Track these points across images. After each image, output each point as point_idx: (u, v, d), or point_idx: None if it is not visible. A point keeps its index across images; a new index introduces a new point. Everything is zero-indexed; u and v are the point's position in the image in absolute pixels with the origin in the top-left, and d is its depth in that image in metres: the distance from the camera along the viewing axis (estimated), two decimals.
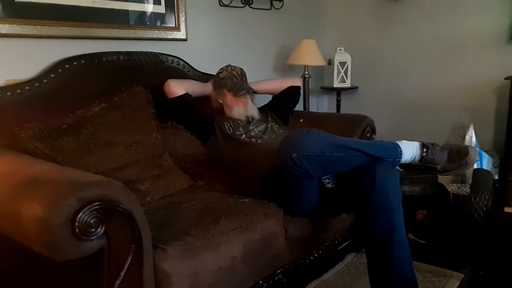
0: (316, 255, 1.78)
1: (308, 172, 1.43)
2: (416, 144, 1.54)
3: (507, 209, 1.74)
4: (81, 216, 0.99)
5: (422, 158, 1.53)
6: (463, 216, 1.90)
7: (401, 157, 1.51)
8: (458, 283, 1.79)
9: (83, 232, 1.00)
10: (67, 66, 1.76)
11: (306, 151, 1.39)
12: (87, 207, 1.00)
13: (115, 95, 1.77)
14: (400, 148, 1.51)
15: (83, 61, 1.80)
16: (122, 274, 1.09)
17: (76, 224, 0.98)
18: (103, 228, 1.04)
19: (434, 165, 1.53)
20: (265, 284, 1.53)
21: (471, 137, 2.38)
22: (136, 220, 1.10)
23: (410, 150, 1.53)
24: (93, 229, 1.02)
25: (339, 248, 1.94)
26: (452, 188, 2.33)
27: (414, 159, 1.54)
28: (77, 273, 1.14)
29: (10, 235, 1.10)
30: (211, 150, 1.92)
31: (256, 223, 1.43)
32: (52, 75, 1.72)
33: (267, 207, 1.53)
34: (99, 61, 1.85)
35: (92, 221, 1.01)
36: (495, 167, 2.37)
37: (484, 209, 1.72)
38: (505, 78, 2.27)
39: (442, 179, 2.36)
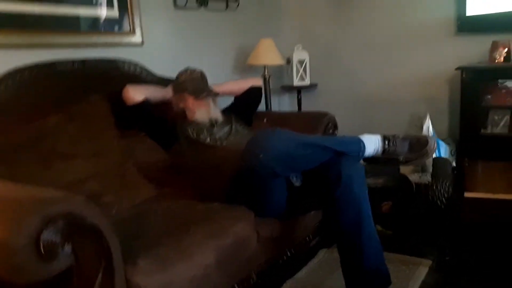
0: (289, 254, 1.79)
1: (275, 171, 1.44)
2: (377, 137, 1.58)
3: (467, 194, 1.82)
4: (45, 235, 0.95)
5: (384, 150, 1.57)
6: (426, 204, 1.97)
7: (364, 150, 1.54)
8: (427, 269, 1.86)
9: (49, 252, 0.96)
10: (18, 76, 1.68)
11: (272, 151, 1.39)
12: (51, 225, 0.96)
13: (72, 105, 1.72)
14: (363, 142, 1.55)
15: (35, 71, 1.73)
16: None
17: (41, 244, 0.94)
18: (70, 245, 1.00)
19: (396, 156, 1.57)
20: None
21: (428, 127, 2.47)
22: (103, 234, 1.07)
23: (372, 144, 1.57)
24: (59, 248, 0.98)
25: (310, 245, 1.96)
26: (414, 177, 2.41)
27: (377, 152, 1.58)
28: None
29: None
30: (175, 157, 1.89)
31: (227, 228, 1.42)
32: (2, 87, 1.63)
33: (237, 211, 1.53)
34: (53, 70, 1.78)
35: (57, 239, 0.97)
36: (452, 155, 2.48)
37: (445, 195, 1.79)
38: (456, 69, 2.37)
39: (404, 170, 2.45)
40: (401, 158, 1.57)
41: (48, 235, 0.95)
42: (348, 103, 3.07)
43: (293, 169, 1.50)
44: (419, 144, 1.55)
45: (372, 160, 1.61)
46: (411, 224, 2.18)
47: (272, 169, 1.41)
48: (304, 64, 3.01)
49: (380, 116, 2.96)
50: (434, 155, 1.88)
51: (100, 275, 1.07)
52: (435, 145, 1.54)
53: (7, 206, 0.98)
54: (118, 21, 2.11)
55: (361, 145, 1.54)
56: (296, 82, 3.02)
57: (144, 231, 1.36)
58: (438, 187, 1.82)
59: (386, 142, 1.56)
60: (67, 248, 1.00)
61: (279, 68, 3.19)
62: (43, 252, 0.94)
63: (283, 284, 1.82)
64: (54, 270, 0.98)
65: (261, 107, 2.39)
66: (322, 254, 2.07)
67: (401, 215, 2.23)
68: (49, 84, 1.75)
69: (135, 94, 1.87)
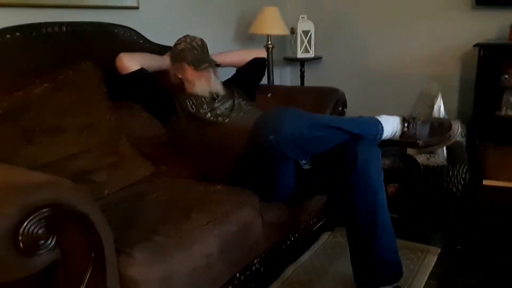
0: (292, 238, 1.69)
1: (286, 154, 1.32)
2: (396, 119, 1.45)
3: (485, 182, 1.71)
4: (25, 227, 0.81)
5: (403, 133, 1.45)
6: (437, 189, 1.87)
7: (382, 133, 1.42)
8: (436, 258, 1.77)
9: (30, 246, 0.82)
10: None
11: (283, 132, 1.27)
12: (32, 216, 0.82)
13: (59, 73, 1.55)
14: (381, 124, 1.42)
15: (18, 33, 1.54)
16: None
17: (20, 237, 0.80)
18: (54, 238, 0.87)
19: (415, 140, 1.45)
20: (242, 277, 1.42)
21: (439, 106, 2.34)
22: (94, 224, 0.93)
23: (390, 126, 1.44)
24: (42, 241, 0.85)
25: (314, 228, 1.87)
26: (422, 159, 2.30)
27: (394, 135, 1.46)
28: None
29: None
30: (173, 132, 1.76)
31: (231, 214, 1.30)
32: None
33: (242, 195, 1.41)
34: (38, 33, 1.60)
35: (39, 231, 0.84)
36: (462, 137, 2.36)
37: (462, 182, 1.68)
38: (474, 45, 2.21)
39: (410, 150, 2.33)
40: (420, 142, 1.44)
41: (29, 227, 0.82)
42: (354, 79, 2.93)
43: (305, 152, 1.38)
44: (442, 128, 1.43)
45: (388, 143, 1.48)
46: (418, 209, 2.08)
47: (282, 152, 1.30)
48: (309, 35, 2.85)
49: (387, 93, 2.83)
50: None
51: (89, 270, 0.94)
52: (460, 129, 1.41)
53: None
54: None
55: (379, 127, 1.41)
56: (300, 54, 2.87)
57: (140, 216, 1.23)
58: (455, 173, 1.70)
59: (406, 125, 1.44)
60: (51, 241, 0.86)
61: (281, 39, 3.03)
62: (22, 247, 0.81)
63: (285, 269, 1.72)
64: (36, 267, 0.85)
65: (263, 80, 2.24)
66: (325, 237, 1.99)
67: (408, 198, 2.13)
68: (33, 50, 1.57)
69: (130, 62, 1.71)
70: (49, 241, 0.85)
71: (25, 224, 0.81)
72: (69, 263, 0.91)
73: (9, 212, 0.79)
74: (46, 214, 0.83)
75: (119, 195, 1.42)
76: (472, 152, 2.01)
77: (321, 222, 1.92)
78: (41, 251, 0.84)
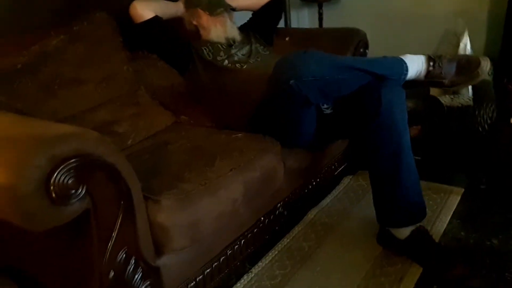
0: (314, 183, 1.71)
1: (308, 99, 1.29)
2: (421, 58, 1.40)
3: None
4: (56, 177, 0.82)
5: (428, 72, 1.39)
6: (462, 129, 1.82)
7: (407, 73, 1.37)
8: (459, 198, 1.77)
9: (61, 195, 0.84)
10: None
11: (305, 76, 1.23)
12: (62, 167, 0.83)
13: (74, 24, 1.53)
14: (405, 63, 1.37)
15: None
16: (114, 235, 0.96)
17: (52, 187, 0.82)
18: (84, 187, 0.88)
19: (440, 79, 1.40)
20: (266, 220, 1.46)
21: (465, 44, 2.22)
22: (121, 173, 0.95)
23: (415, 65, 1.39)
24: (73, 191, 0.86)
25: (335, 173, 1.87)
26: (445, 100, 2.23)
27: (419, 75, 1.40)
28: (63, 241, 1.00)
29: None
30: (191, 81, 1.74)
31: (254, 160, 1.30)
32: None
33: (263, 142, 1.41)
34: None
35: (70, 181, 0.85)
36: (489, 75, 2.27)
37: (489, 121, 1.63)
38: None
39: (434, 90, 2.26)
40: (446, 81, 1.39)
41: (60, 178, 0.83)
42: (375, 18, 2.79)
43: (327, 96, 1.34)
44: (469, 66, 1.36)
45: (413, 83, 1.43)
46: (442, 150, 2.05)
47: (304, 97, 1.27)
48: None
49: (410, 33, 2.69)
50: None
51: (120, 217, 0.97)
52: (489, 66, 1.35)
53: (10, 145, 0.84)
54: None
55: (403, 67, 1.36)
56: None
57: (165, 165, 1.24)
58: (481, 112, 1.64)
59: (431, 64, 1.38)
60: (82, 190, 0.88)
61: None
62: (54, 197, 0.83)
63: (307, 213, 1.75)
64: (69, 215, 0.87)
65: (280, 23, 2.16)
66: (347, 181, 1.99)
67: (431, 140, 2.09)
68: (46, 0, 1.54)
69: (144, 10, 1.67)
70: (80, 191, 0.87)
71: (55, 174, 0.82)
72: (100, 212, 0.93)
73: (40, 164, 0.80)
74: (74, 164, 0.84)
75: (142, 145, 1.43)
76: (499, 91, 1.93)
77: (343, 166, 1.93)
78: (73, 200, 0.86)
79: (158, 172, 1.19)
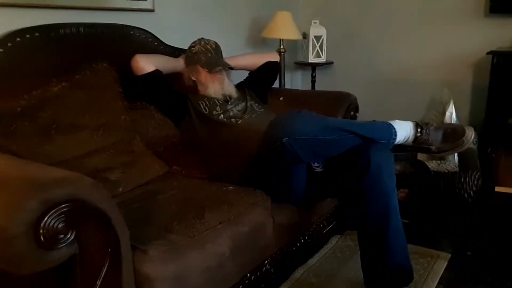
0: (302, 241, 1.69)
1: (299, 157, 1.33)
2: (409, 124, 1.45)
3: (498, 189, 1.70)
4: (46, 221, 0.83)
5: (416, 138, 1.45)
6: (448, 195, 1.86)
7: (395, 138, 1.42)
8: (446, 263, 1.76)
9: (50, 240, 0.84)
10: (18, 39, 1.52)
11: (298, 135, 1.28)
12: (53, 211, 0.84)
13: (76, 72, 1.57)
14: (394, 128, 1.42)
15: (37, 34, 1.57)
16: (98, 282, 0.95)
17: (41, 231, 0.82)
18: (73, 233, 0.88)
19: (428, 145, 1.45)
20: (253, 277, 1.43)
21: (451, 113, 2.34)
22: (111, 221, 0.95)
23: (404, 131, 1.44)
24: (62, 236, 0.86)
25: (324, 231, 1.87)
26: (432, 165, 2.29)
27: (407, 140, 1.46)
28: (47, 286, 0.98)
29: None
30: (186, 132, 1.78)
31: (243, 214, 1.31)
32: (0, 50, 1.48)
33: (254, 195, 1.42)
34: (56, 34, 1.62)
35: (59, 226, 0.85)
36: (474, 144, 2.35)
37: (474, 188, 1.67)
38: (487, 53, 2.20)
39: (421, 155, 2.33)
40: (433, 148, 1.44)
41: (50, 222, 0.83)
42: (365, 84, 2.93)
43: (318, 155, 1.39)
44: (455, 134, 1.42)
45: (401, 148, 1.48)
46: (428, 214, 2.07)
47: (296, 155, 1.30)
48: (321, 40, 2.85)
49: (398, 99, 2.82)
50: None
51: (106, 265, 0.96)
52: (473, 135, 1.41)
53: (3, 186, 0.85)
54: None
55: (392, 132, 1.41)
56: (312, 58, 2.87)
57: (154, 215, 1.24)
58: (467, 179, 1.69)
59: (419, 130, 1.44)
60: (71, 235, 0.88)
61: (293, 44, 3.04)
62: (42, 240, 0.82)
63: (294, 272, 1.72)
64: (55, 260, 0.87)
65: (275, 84, 2.24)
66: (335, 240, 1.98)
67: (418, 204, 2.12)
68: (51, 50, 1.59)
69: (145, 63, 1.74)
70: (69, 236, 0.87)
71: (45, 218, 0.82)
72: (87, 258, 0.93)
73: (31, 207, 0.80)
74: (66, 209, 0.85)
75: (133, 194, 1.43)
76: (484, 159, 2.00)
77: (331, 225, 1.91)
78: (61, 245, 0.86)
79: (147, 221, 1.19)
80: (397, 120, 1.45)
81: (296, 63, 3.06)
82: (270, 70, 2.07)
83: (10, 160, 1.04)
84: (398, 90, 2.83)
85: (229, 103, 1.80)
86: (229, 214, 1.27)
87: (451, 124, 1.49)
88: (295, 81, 3.23)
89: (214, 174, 1.62)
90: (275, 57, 2.10)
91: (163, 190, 1.43)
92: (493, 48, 2.25)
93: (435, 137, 1.43)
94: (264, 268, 1.48)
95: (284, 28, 2.60)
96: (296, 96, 2.16)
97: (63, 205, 0.85)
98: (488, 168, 1.79)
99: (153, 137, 1.75)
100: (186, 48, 1.90)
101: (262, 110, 1.85)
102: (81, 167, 1.40)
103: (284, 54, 2.72)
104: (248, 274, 1.40)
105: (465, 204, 1.74)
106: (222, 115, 1.74)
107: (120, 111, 1.64)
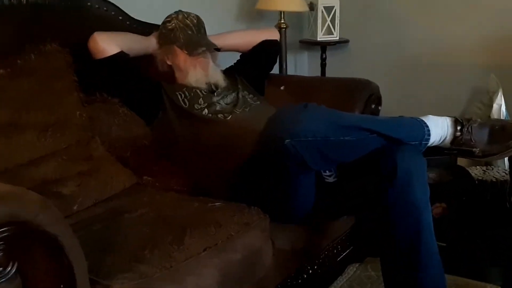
0: (311, 271, 1.71)
1: (306, 163, 1.34)
2: (446, 121, 1.47)
3: None
4: None
5: (455, 138, 1.46)
6: (497, 210, 1.88)
7: (428, 139, 1.43)
8: None
9: None
10: None
11: (304, 135, 1.29)
12: None
13: (18, 57, 1.58)
14: (427, 126, 1.43)
15: None
16: None
17: None
18: (15, 265, 0.88)
19: (470, 148, 1.46)
20: None
21: (500, 105, 2.36)
22: (64, 249, 0.95)
23: (439, 129, 1.45)
24: (0, 269, 0.86)
25: (338, 259, 1.88)
26: (476, 172, 2.31)
27: (444, 141, 1.47)
28: None
29: None
30: (160, 133, 1.81)
31: (235, 238, 1.33)
32: None
33: (248, 214, 1.43)
34: None
35: None
36: None
37: None
38: None
39: (461, 160, 2.34)
40: (477, 151, 1.45)
41: None
42: (389, 69, 2.96)
43: (330, 160, 1.40)
44: (504, 133, 1.44)
45: (435, 151, 1.50)
46: (472, 236, 2.09)
47: (301, 160, 1.31)
48: (332, 12, 2.88)
49: (432, 89, 2.85)
50: None
51: None
52: None
53: None
54: None
55: (424, 131, 1.42)
56: (321, 36, 2.90)
57: (119, 240, 1.25)
58: None
59: (459, 128, 1.45)
60: (11, 268, 0.88)
61: (297, 17, 3.06)
62: None
63: None
64: None
65: (274, 69, 2.27)
66: (352, 270, 2.01)
67: (459, 221, 2.14)
68: None
69: (107, 44, 1.76)
70: (9, 269, 0.87)
71: None
72: None
73: None
74: (5, 234, 0.85)
75: (92, 212, 1.44)
76: None
77: (348, 250, 1.93)
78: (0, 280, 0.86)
79: (111, 249, 1.20)
80: (430, 116, 1.46)
81: (301, 42, 3.08)
82: (268, 51, 2.09)
83: None
84: (432, 76, 2.85)
85: (216, 94, 1.82)
86: (215, 238, 1.29)
87: (499, 120, 1.51)
88: (300, 65, 3.26)
89: (197, 186, 1.64)
90: (274, 35, 2.12)
91: (131, 207, 1.45)
92: None
93: (479, 136, 1.45)
94: None
95: None
96: (301, 85, 2.17)
97: (2, 229, 0.84)
98: None
99: (117, 139, 1.77)
100: (160, 24, 1.91)
101: (258, 103, 1.87)
102: (25, 178, 1.42)
103: (285, 30, 2.74)
104: None
105: None
106: (206, 110, 1.75)
107: (74, 106, 1.66)
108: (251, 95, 1.89)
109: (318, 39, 2.91)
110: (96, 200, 1.52)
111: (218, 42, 1.91)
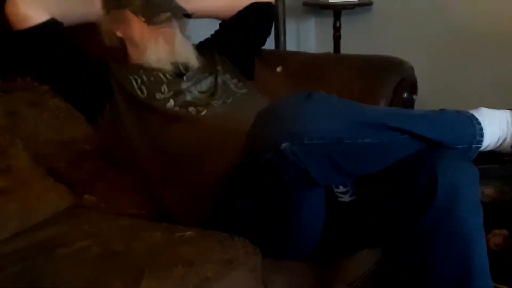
0: None
1: (310, 175, 1.33)
2: (506, 116, 1.48)
3: None
4: None
5: None
6: None
7: (481, 140, 1.44)
8: None
9: None
10: None
11: (307, 137, 1.27)
12: None
13: None
14: (479, 124, 1.44)
15: None
16: None
17: None
18: None
19: None
20: None
21: None
22: None
23: (496, 127, 1.47)
24: None
25: None
26: None
27: (503, 143, 1.48)
28: None
29: None
30: (107, 133, 1.82)
31: (212, 282, 1.32)
32: None
33: (231, 247, 1.43)
34: None
35: None
36: None
37: None
38: None
39: None
40: None
41: None
42: (428, 44, 2.99)
43: (343, 171, 1.38)
44: None
45: (490, 157, 1.51)
46: None
47: (303, 171, 1.30)
48: None
49: (484, 73, 2.88)
50: None
51: None
52: None
53: None
54: None
55: (475, 130, 1.43)
56: None
57: (50, 286, 1.26)
58: None
59: None
60: None
61: None
62: None
63: None
64: None
65: (268, 43, 2.28)
66: None
67: None
68: None
69: (32, 9, 1.77)
70: None
71: None
72: None
73: None
74: None
75: (10, 247, 1.45)
76: None
77: None
78: None
79: None
80: (484, 109, 1.47)
81: (306, 4, 3.12)
82: (259, 18, 2.11)
83: None
84: (485, 56, 2.89)
85: (185, 78, 1.84)
86: (185, 283, 1.28)
87: None
88: (305, 37, 3.30)
89: (160, 209, 1.65)
90: None
91: (66, 239, 1.46)
92: None
93: None
94: None
95: None
96: (305, 65, 2.19)
97: None
98: None
99: (47, 143, 1.79)
100: None
101: (245, 90, 1.89)
102: None
103: None
104: None
105: None
106: (172, 101, 1.77)
107: None
108: (234, 80, 1.91)
109: (330, 1, 2.94)
110: (17, 229, 1.53)
111: (189, 5, 1.92)
